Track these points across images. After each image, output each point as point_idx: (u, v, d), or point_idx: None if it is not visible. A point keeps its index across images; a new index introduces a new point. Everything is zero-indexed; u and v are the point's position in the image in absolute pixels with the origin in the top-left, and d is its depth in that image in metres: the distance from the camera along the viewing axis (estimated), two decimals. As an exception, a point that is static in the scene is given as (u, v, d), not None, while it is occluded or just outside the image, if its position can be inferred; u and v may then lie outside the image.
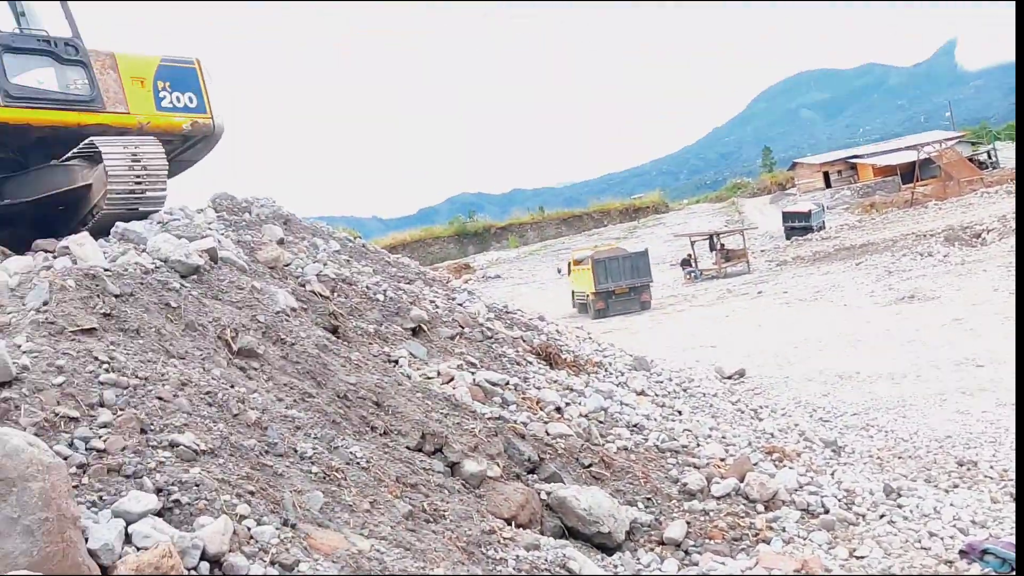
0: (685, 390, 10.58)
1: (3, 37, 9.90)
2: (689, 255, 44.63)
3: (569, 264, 40.40)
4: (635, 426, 8.05)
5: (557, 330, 11.49)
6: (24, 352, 4.70)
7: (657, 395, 9.72)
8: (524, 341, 9.77)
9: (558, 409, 7.77)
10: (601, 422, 7.91)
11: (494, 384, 7.70)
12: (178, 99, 10.49)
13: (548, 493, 5.93)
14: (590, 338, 12.34)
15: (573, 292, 38.25)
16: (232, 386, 5.36)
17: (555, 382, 8.69)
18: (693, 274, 42.67)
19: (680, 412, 9.07)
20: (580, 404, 8.18)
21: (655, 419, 8.40)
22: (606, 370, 10.20)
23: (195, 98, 10.60)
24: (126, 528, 3.50)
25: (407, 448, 5.78)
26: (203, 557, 3.51)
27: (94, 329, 5.28)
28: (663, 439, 7.75)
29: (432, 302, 9.64)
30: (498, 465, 6.01)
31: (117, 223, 8.36)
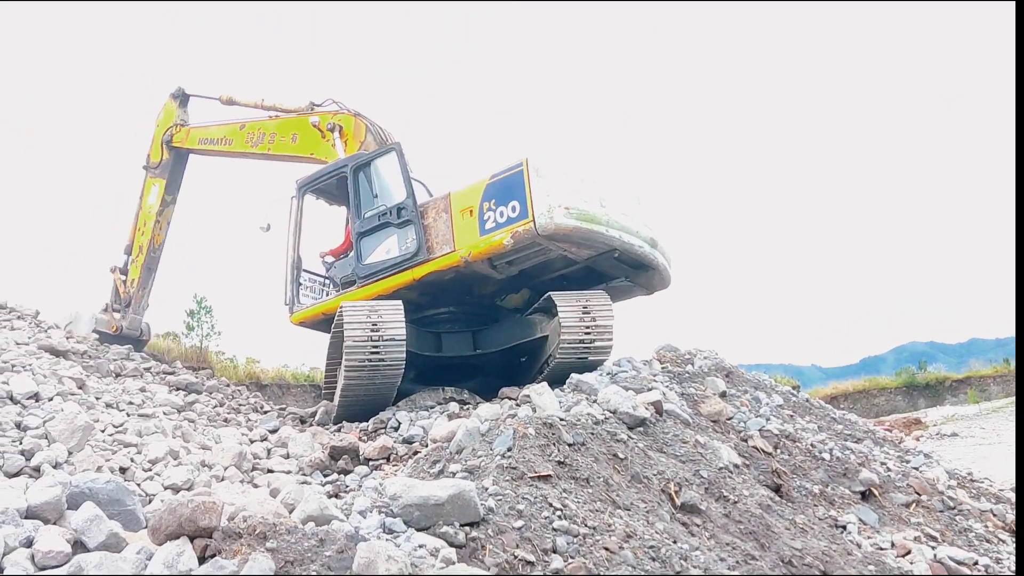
0: None
1: (357, 225, 11.14)
2: None
3: None
4: None
5: (1036, 505, 9.97)
6: (490, 495, 5.15)
7: None
8: (995, 515, 8.60)
9: (1042, 601, 6.66)
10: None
11: (959, 563, 6.86)
12: (502, 214, 9.97)
13: None
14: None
15: None
16: (675, 542, 5.35)
17: (1036, 567, 7.49)
18: None
19: None
20: (1071, 598, 6.93)
21: None
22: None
23: (518, 206, 9.90)
24: None
25: (860, 628, 5.30)
26: None
27: (549, 476, 5.64)
28: None
29: (883, 464, 8.94)
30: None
31: (572, 374, 8.95)
